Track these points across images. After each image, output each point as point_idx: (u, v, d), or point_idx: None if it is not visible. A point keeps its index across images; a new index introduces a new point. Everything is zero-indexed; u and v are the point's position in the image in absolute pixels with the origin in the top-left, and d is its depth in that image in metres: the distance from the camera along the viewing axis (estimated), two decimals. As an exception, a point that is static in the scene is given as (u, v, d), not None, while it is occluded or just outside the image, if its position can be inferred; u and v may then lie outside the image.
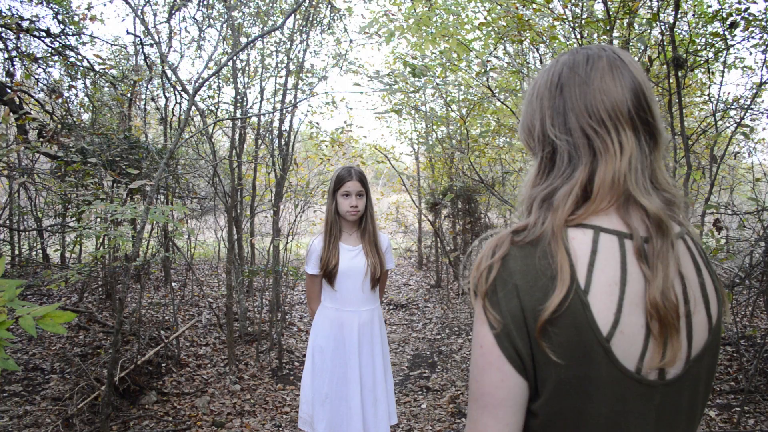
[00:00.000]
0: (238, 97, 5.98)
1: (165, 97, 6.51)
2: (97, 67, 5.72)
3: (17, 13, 5.16)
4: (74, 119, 5.68)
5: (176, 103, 6.52)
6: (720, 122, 4.47)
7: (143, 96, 6.81)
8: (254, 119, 6.36)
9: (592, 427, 0.72)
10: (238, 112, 6.01)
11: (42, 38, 5.44)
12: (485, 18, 4.68)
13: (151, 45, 5.83)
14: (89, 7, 5.48)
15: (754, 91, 3.77)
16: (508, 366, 0.73)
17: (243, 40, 5.83)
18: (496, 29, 4.34)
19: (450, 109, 5.95)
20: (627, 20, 3.88)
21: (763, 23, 3.37)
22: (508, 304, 0.73)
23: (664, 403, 0.75)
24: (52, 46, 5.56)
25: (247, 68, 6.20)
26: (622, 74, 0.79)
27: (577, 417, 0.73)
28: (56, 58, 5.63)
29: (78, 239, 5.45)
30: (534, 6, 3.99)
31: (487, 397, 0.75)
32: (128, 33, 8.44)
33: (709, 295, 0.80)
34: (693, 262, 0.80)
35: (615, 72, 0.79)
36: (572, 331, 0.70)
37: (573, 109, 0.79)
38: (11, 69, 5.57)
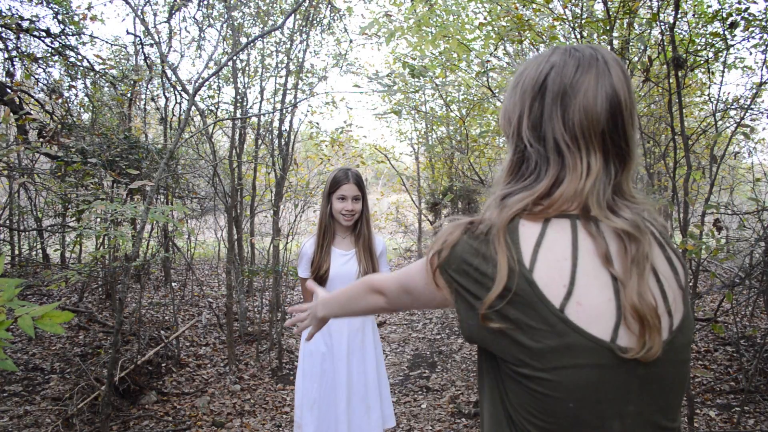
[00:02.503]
0: (238, 97, 5.98)
1: (165, 97, 6.51)
2: (97, 67, 5.72)
3: (17, 13, 5.16)
4: (74, 119, 5.68)
5: (176, 103, 6.53)
6: (720, 122, 4.47)
7: (143, 96, 6.81)
8: (254, 119, 6.36)
9: (572, 394, 0.74)
10: (238, 112, 6.01)
11: (42, 38, 5.44)
12: (485, 18, 4.69)
13: (151, 45, 5.83)
14: (89, 7, 5.48)
15: (754, 91, 3.77)
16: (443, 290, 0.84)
17: (243, 40, 5.83)
18: (496, 29, 4.34)
19: (450, 109, 5.95)
20: (627, 20, 3.88)
21: (763, 23, 3.37)
22: (458, 278, 0.80)
23: (650, 378, 0.77)
24: (52, 46, 5.56)
25: (247, 68, 6.20)
26: (606, 91, 0.78)
27: (556, 387, 0.74)
28: (56, 58, 5.63)
29: (78, 239, 5.45)
30: (534, 6, 3.98)
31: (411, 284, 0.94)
32: (128, 33, 8.44)
33: (678, 271, 0.84)
34: (663, 255, 0.83)
35: (600, 87, 0.78)
36: (527, 308, 0.74)
37: (550, 117, 0.79)
38: (11, 69, 5.57)
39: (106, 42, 7.05)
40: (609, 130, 0.78)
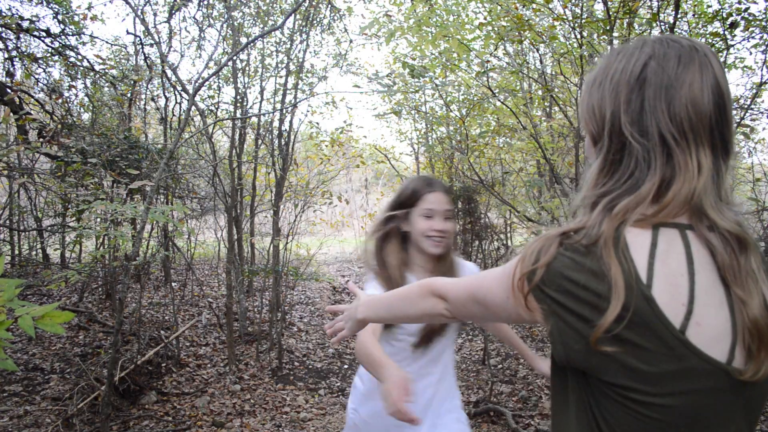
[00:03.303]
0: (238, 97, 5.99)
1: (165, 97, 6.51)
2: (97, 67, 5.72)
3: (17, 13, 5.16)
4: (74, 119, 5.68)
5: (176, 103, 6.53)
6: (720, 122, 4.44)
7: (143, 96, 6.81)
8: (254, 119, 6.36)
9: (685, 419, 0.69)
10: (238, 112, 6.01)
11: (42, 38, 5.44)
12: (485, 18, 4.69)
13: (151, 45, 5.83)
14: (89, 7, 5.48)
15: (754, 91, 3.77)
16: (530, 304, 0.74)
17: (243, 40, 5.83)
18: (496, 29, 4.34)
19: (450, 110, 5.95)
20: (627, 20, 3.88)
21: (763, 23, 3.37)
22: (559, 299, 0.71)
23: (752, 397, 0.74)
24: (52, 46, 5.56)
25: (247, 68, 6.20)
26: (711, 83, 0.73)
27: (669, 412, 0.69)
28: (56, 58, 5.63)
29: (78, 239, 5.45)
30: (534, 6, 3.99)
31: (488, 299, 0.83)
32: (128, 33, 8.45)
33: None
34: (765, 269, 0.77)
35: (705, 80, 0.73)
36: (644, 330, 0.66)
37: (653, 110, 0.73)
38: (11, 69, 5.57)
39: (106, 42, 7.05)
40: (716, 123, 0.73)
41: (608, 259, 0.67)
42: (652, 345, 0.66)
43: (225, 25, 5.82)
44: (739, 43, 3.64)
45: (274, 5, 6.16)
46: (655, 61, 0.74)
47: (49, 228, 6.35)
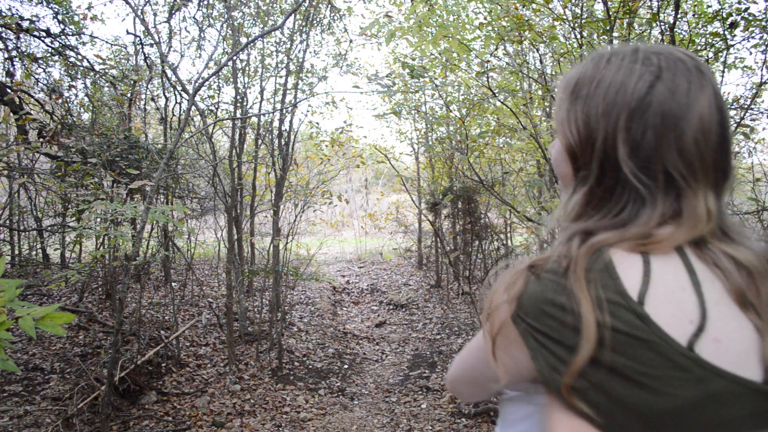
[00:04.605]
0: (238, 97, 5.99)
1: (165, 97, 6.51)
2: (97, 67, 5.73)
3: (17, 13, 5.16)
4: (74, 119, 5.68)
5: (176, 103, 6.53)
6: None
7: (143, 96, 6.81)
8: (254, 119, 6.36)
9: None
10: (238, 112, 6.02)
11: (42, 38, 5.44)
12: (485, 18, 4.69)
13: (151, 45, 5.83)
14: (89, 7, 5.48)
15: (754, 91, 3.77)
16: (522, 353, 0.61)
17: (243, 40, 5.83)
18: (496, 29, 4.35)
19: (450, 110, 5.95)
20: (627, 20, 3.88)
21: (763, 23, 3.37)
22: (536, 325, 0.60)
23: None
24: (52, 46, 5.56)
25: (247, 68, 6.20)
26: (717, 108, 0.63)
27: None
28: (56, 58, 5.63)
29: (78, 239, 5.46)
30: (534, 6, 3.99)
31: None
32: (128, 33, 8.45)
33: None
34: None
35: (712, 105, 0.63)
36: (644, 350, 0.55)
37: (660, 144, 0.62)
38: (11, 69, 5.57)
39: (106, 42, 7.05)
40: (721, 152, 0.64)
41: (578, 293, 0.57)
42: (657, 367, 0.54)
43: (225, 25, 5.82)
44: (739, 43, 3.64)
45: (274, 5, 6.17)
46: (663, 84, 0.63)
47: (49, 228, 6.35)
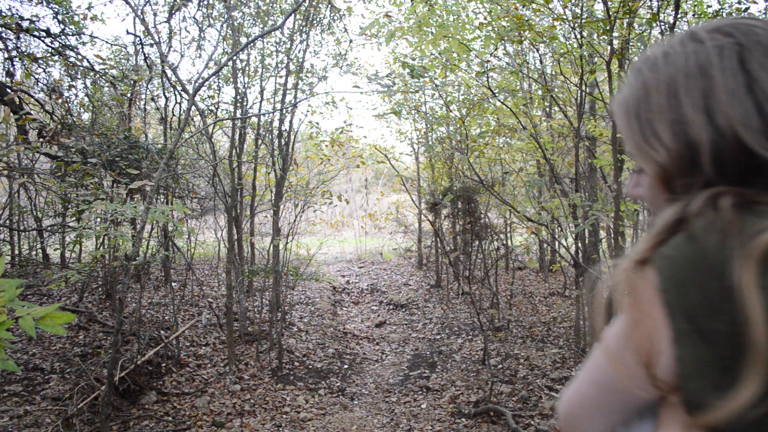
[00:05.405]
0: (238, 97, 5.99)
1: (165, 97, 6.51)
2: (97, 67, 5.73)
3: (17, 13, 5.16)
4: (74, 119, 5.68)
5: (176, 103, 6.54)
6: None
7: (143, 96, 6.81)
8: (254, 119, 6.36)
9: None
10: (238, 112, 6.02)
11: (42, 38, 5.44)
12: (485, 18, 4.69)
13: (151, 45, 5.83)
14: (89, 7, 5.48)
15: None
16: None
17: (243, 40, 5.84)
18: (496, 29, 4.35)
19: (450, 110, 5.96)
20: (627, 20, 3.88)
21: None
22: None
23: None
24: (52, 46, 5.56)
25: (247, 68, 6.20)
26: None
27: None
28: (56, 58, 5.63)
29: (78, 239, 5.46)
30: (534, 6, 3.99)
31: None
32: (128, 33, 8.45)
33: None
34: None
35: None
36: None
37: None
38: (11, 69, 5.57)
39: (106, 42, 7.06)
40: None
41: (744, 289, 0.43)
42: None
43: (225, 25, 5.82)
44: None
45: (274, 5, 6.17)
46: (750, 54, 0.53)
47: (49, 228, 6.35)
